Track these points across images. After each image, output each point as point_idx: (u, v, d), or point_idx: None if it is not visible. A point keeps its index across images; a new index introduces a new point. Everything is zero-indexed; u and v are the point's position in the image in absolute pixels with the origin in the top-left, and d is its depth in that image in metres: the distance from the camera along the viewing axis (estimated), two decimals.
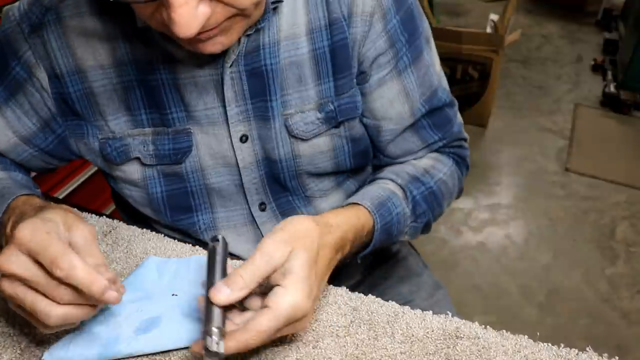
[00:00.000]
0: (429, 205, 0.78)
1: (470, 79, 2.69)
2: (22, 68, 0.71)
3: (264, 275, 0.54)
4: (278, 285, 0.54)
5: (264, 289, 0.56)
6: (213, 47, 0.59)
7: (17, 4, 0.71)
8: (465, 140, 0.85)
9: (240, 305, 0.57)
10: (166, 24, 0.53)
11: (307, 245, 0.56)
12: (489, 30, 2.73)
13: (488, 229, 2.20)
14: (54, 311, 0.50)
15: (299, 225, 0.58)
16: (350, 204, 0.71)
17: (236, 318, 0.56)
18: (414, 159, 0.81)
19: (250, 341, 0.52)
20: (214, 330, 0.51)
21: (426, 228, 0.81)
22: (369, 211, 0.69)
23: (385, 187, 0.75)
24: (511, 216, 2.27)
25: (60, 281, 0.49)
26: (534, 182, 2.47)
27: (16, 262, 0.50)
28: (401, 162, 0.82)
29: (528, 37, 3.78)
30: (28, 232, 0.50)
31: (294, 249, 0.56)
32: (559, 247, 2.12)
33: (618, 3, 3.84)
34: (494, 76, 2.65)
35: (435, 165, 0.80)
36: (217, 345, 0.50)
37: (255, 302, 0.57)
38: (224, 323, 0.53)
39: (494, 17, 2.76)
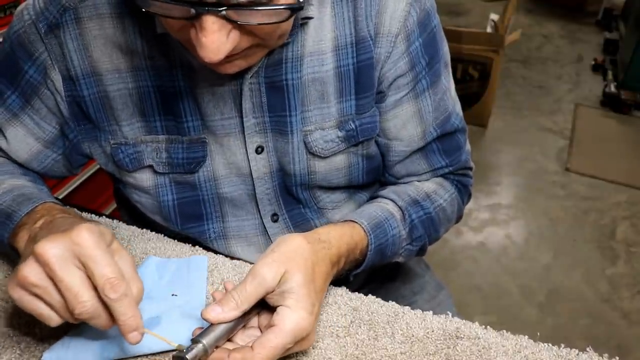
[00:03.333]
0: (426, 230, 0.77)
1: (471, 78, 2.68)
2: (37, 70, 0.69)
3: (256, 298, 0.55)
4: (281, 305, 0.55)
5: (262, 310, 0.59)
6: (231, 69, 0.60)
7: (31, 2, 0.69)
8: (470, 169, 0.84)
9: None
10: (192, 42, 0.54)
11: (300, 264, 0.57)
12: (489, 30, 2.73)
13: (488, 229, 2.20)
14: (55, 320, 0.52)
15: (290, 246, 0.59)
16: (346, 221, 0.70)
17: (237, 338, 0.57)
18: (418, 180, 0.81)
19: (256, 357, 0.52)
20: (199, 345, 0.52)
21: (421, 251, 0.80)
22: (365, 230, 0.69)
23: (385, 207, 0.74)
24: (511, 216, 2.27)
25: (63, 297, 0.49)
26: (534, 182, 2.47)
27: (35, 273, 0.49)
28: (404, 182, 0.81)
29: (528, 37, 3.78)
30: (90, 239, 0.50)
31: (288, 270, 0.56)
32: (559, 247, 2.12)
33: (618, 3, 3.84)
34: (494, 76, 2.65)
35: (437, 191, 0.79)
36: (190, 355, 0.52)
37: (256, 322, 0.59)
38: (215, 345, 0.54)
39: (494, 17, 2.76)
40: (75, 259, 0.50)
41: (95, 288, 0.50)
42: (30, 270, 0.49)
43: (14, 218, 0.63)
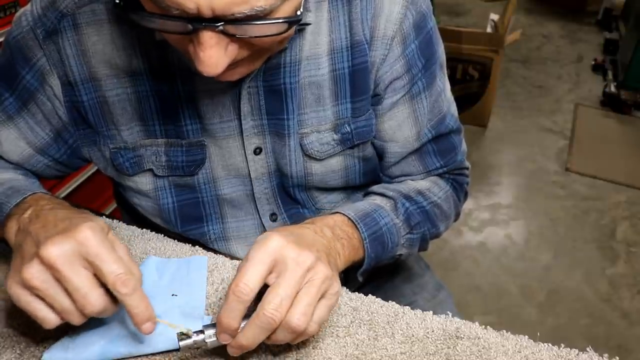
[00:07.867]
0: (423, 220, 0.77)
1: (471, 79, 2.68)
2: (34, 76, 0.70)
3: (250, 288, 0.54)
4: None
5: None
6: (232, 76, 0.60)
7: (29, 8, 0.69)
8: (467, 169, 0.84)
9: None
10: (190, 55, 0.54)
11: (270, 235, 0.57)
12: (489, 30, 2.73)
13: (488, 229, 2.20)
14: (52, 322, 0.52)
15: (261, 235, 0.59)
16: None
17: None
18: (411, 180, 0.81)
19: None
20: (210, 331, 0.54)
21: (423, 242, 0.79)
22: (345, 215, 0.69)
23: (372, 202, 0.74)
24: (511, 216, 2.27)
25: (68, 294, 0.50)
26: (534, 182, 2.47)
27: (40, 276, 0.49)
28: (398, 182, 0.81)
29: (528, 37, 3.78)
30: (94, 238, 0.50)
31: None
32: (559, 247, 2.12)
33: (618, 3, 3.84)
34: (494, 76, 2.65)
35: (430, 188, 0.79)
36: (199, 337, 0.54)
37: None
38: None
39: (494, 17, 2.76)
40: (81, 259, 0.50)
41: (102, 285, 0.51)
42: (34, 272, 0.50)
43: (3, 209, 0.63)
